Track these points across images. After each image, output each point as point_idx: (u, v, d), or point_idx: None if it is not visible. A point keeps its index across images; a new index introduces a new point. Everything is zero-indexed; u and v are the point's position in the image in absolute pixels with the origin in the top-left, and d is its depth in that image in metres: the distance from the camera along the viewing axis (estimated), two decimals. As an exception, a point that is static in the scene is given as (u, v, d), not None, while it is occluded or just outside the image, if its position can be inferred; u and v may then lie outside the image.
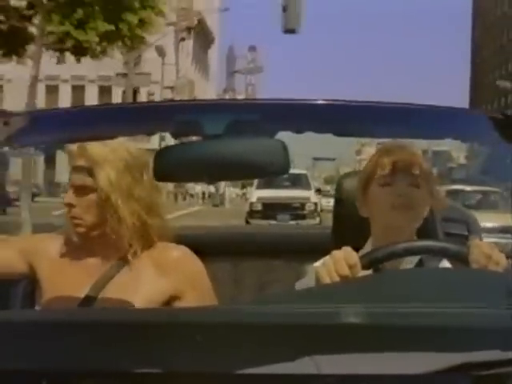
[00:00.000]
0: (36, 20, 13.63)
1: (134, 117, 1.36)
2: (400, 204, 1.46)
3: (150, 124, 1.37)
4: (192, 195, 31.16)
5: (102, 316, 1.16)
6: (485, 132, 1.40)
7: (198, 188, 30.74)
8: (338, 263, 1.26)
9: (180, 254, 1.60)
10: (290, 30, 14.88)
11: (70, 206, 1.57)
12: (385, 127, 1.35)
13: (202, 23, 35.79)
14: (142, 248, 1.58)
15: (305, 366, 0.90)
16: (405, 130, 1.39)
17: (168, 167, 1.24)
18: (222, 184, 27.59)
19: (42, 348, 0.98)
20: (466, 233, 2.09)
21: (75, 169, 1.59)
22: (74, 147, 1.58)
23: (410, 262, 1.44)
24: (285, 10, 14.65)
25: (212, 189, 28.59)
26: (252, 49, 33.52)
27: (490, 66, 71.90)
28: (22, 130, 1.39)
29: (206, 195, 30.54)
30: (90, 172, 1.56)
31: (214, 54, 44.73)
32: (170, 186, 26.03)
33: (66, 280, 1.60)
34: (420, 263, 1.45)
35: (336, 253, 1.29)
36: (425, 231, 1.54)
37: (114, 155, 1.56)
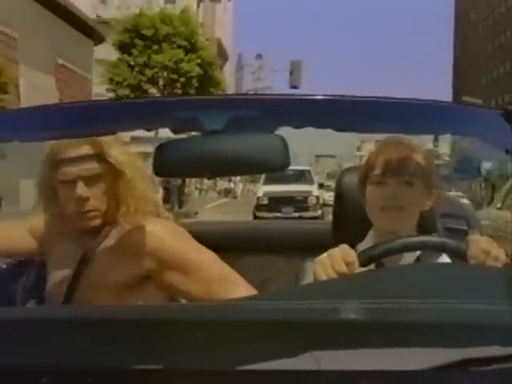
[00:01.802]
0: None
1: (135, 112, 1.27)
2: (391, 206, 1.38)
3: (151, 120, 1.28)
4: (220, 190, 37.68)
5: (103, 314, 1.08)
6: (485, 127, 1.39)
7: (222, 185, 37.47)
8: (335, 261, 1.17)
9: (152, 229, 1.48)
10: (294, 87, 21.07)
11: (84, 199, 1.45)
12: (386, 122, 1.24)
13: (219, 46, 36.81)
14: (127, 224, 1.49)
15: (305, 362, 0.84)
16: (405, 125, 1.28)
17: (167, 163, 1.16)
18: (237, 181, 32.93)
19: (42, 345, 0.91)
20: (466, 228, 2.08)
21: (79, 159, 1.46)
22: (59, 143, 1.47)
23: (408, 258, 1.35)
24: (291, 73, 21.32)
25: (232, 186, 35.84)
26: (259, 57, 34.31)
27: (471, 73, 71.88)
28: (23, 126, 1.38)
29: (228, 191, 36.69)
30: (98, 158, 1.45)
31: (227, 67, 45.76)
32: (204, 184, 32.77)
33: (59, 262, 1.53)
34: (419, 259, 1.35)
35: (333, 250, 1.19)
36: (424, 226, 1.44)
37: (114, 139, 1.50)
